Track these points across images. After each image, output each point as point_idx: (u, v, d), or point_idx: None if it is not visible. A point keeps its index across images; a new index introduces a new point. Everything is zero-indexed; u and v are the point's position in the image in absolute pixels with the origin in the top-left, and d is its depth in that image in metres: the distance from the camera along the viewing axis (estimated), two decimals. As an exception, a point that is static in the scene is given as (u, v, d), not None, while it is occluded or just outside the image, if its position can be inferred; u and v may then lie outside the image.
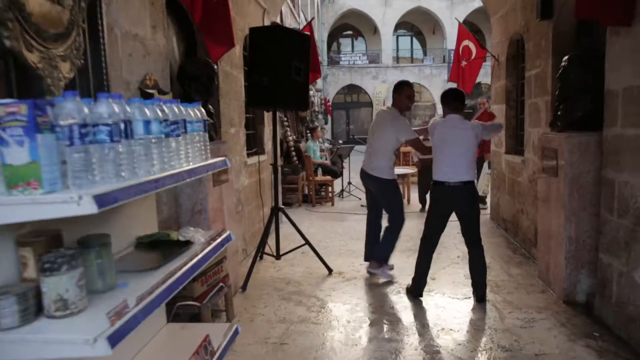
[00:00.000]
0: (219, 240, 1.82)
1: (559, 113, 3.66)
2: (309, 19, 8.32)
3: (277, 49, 4.10)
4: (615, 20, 2.75)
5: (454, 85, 7.84)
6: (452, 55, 26.64)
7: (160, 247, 1.72)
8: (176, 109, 1.51)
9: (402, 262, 4.72)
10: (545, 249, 3.89)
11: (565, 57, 3.61)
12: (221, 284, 2.98)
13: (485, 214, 6.62)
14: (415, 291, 3.79)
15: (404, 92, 4.11)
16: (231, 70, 4.66)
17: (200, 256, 1.58)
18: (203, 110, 1.78)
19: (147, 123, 1.30)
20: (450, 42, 25.76)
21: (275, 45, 4.11)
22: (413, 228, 6.11)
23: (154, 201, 1.97)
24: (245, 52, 5.24)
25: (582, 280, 3.52)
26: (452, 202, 3.62)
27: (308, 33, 5.29)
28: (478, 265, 3.67)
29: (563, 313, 3.38)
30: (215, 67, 3.75)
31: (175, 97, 3.31)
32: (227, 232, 1.95)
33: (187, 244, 1.72)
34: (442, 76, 26.62)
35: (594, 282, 3.46)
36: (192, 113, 1.65)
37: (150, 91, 2.97)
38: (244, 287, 4.09)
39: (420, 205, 7.48)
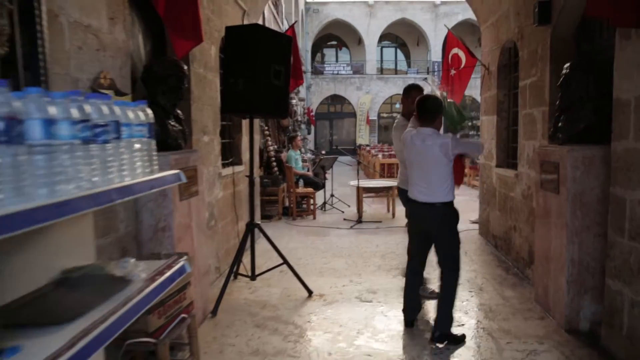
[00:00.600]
0: (168, 274, 1.44)
1: (559, 124, 3.38)
2: (292, 23, 8.01)
3: (254, 50, 3.75)
4: (627, 21, 2.48)
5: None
6: (435, 67, 26.78)
7: (90, 284, 1.34)
8: (104, 108, 1.14)
9: (387, 282, 4.38)
10: (544, 271, 3.58)
11: (567, 65, 3.34)
12: (183, 314, 2.57)
13: (473, 229, 6.35)
14: (405, 319, 3.43)
15: (411, 96, 3.71)
16: (205, 73, 4.29)
17: (135, 301, 1.20)
18: (149, 111, 1.41)
19: (49, 123, 0.93)
20: (434, 53, 25.92)
21: (253, 46, 3.76)
22: (399, 244, 5.79)
23: (91, 224, 1.58)
24: (222, 54, 4.88)
25: (585, 307, 3.22)
26: (421, 220, 3.24)
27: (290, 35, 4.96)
28: (443, 294, 3.19)
29: (566, 344, 3.07)
30: (186, 68, 3.38)
31: (138, 100, 2.93)
32: (182, 263, 1.57)
33: (124, 281, 1.33)
34: (426, 88, 26.64)
35: (599, 310, 3.16)
36: (130, 114, 1.28)
37: (106, 92, 2.58)
38: (214, 312, 3.68)
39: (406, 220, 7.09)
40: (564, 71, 3.34)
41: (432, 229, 3.19)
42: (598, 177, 3.10)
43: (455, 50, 5.98)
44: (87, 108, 1.09)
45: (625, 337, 2.76)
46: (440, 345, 3.06)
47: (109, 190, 1.09)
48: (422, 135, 3.16)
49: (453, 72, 6.01)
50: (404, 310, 3.45)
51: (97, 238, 2.48)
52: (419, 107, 3.22)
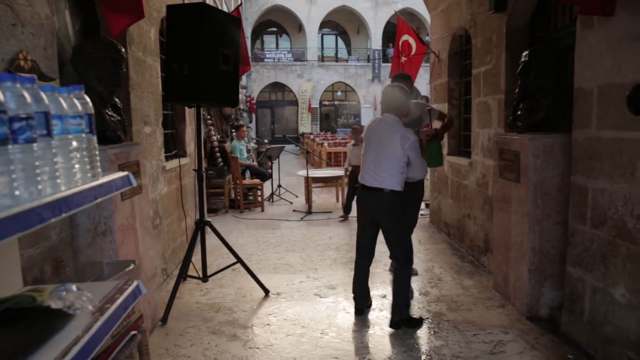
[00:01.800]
0: (119, 300, 1.17)
1: (519, 112, 3.36)
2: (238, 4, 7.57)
3: (200, 31, 3.40)
4: (595, 8, 2.44)
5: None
6: (376, 54, 27.06)
7: (15, 325, 1.04)
8: (26, 94, 0.85)
9: (345, 277, 4.24)
10: (503, 260, 3.59)
11: (525, 53, 3.31)
12: (133, 331, 2.26)
13: (425, 216, 6.37)
14: (355, 307, 3.43)
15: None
16: (144, 57, 3.88)
17: (81, 344, 0.92)
18: (87, 98, 1.12)
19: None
20: (375, 42, 26.12)
21: (199, 27, 3.41)
22: (353, 235, 5.67)
23: (16, 246, 1.26)
24: (162, 37, 4.46)
25: (545, 294, 3.25)
26: (369, 207, 3.21)
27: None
28: (396, 285, 3.26)
29: (530, 332, 3.08)
30: (123, 50, 2.99)
31: (67, 85, 2.52)
32: (135, 283, 1.30)
33: (63, 315, 1.05)
34: (366, 76, 26.88)
35: (558, 296, 3.20)
36: (63, 103, 0.98)
37: (27, 75, 2.18)
38: (164, 319, 3.36)
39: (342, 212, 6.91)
40: (522, 59, 3.31)
41: (379, 215, 3.19)
42: (558, 166, 3.11)
43: (405, 37, 5.90)
44: (0, 94, 0.80)
45: (586, 322, 2.79)
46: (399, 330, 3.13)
47: (38, 207, 0.81)
48: (385, 122, 3.17)
49: (404, 59, 5.93)
50: (354, 298, 3.46)
51: (23, 249, 2.11)
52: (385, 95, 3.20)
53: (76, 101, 1.06)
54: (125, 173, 1.25)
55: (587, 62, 2.73)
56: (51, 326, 1.03)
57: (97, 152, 1.13)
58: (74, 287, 1.14)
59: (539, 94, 3.21)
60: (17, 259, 1.32)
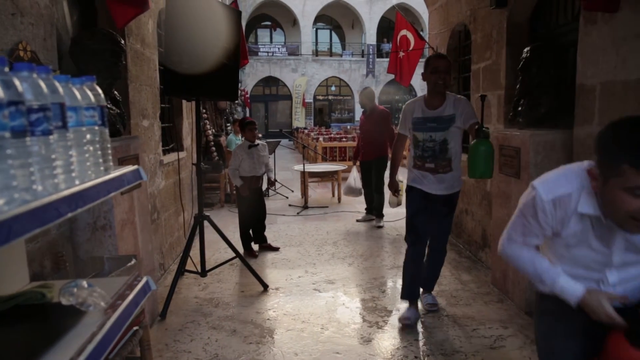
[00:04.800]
0: (130, 297, 1.15)
1: (519, 108, 3.36)
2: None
3: (201, 24, 3.37)
4: (600, 5, 2.44)
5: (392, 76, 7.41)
6: (370, 50, 26.98)
7: (26, 322, 1.02)
8: (42, 85, 0.82)
9: (344, 271, 4.24)
10: (502, 255, 3.60)
11: (527, 49, 3.31)
12: (135, 327, 2.24)
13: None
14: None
15: (428, 67, 3.05)
16: (143, 50, 3.83)
17: (95, 342, 0.90)
18: (99, 89, 1.09)
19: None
20: (369, 37, 26.06)
21: (199, 21, 3.37)
22: (349, 230, 5.69)
23: (22, 241, 1.23)
24: (159, 29, 4.40)
25: (544, 289, 3.26)
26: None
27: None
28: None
29: (529, 327, 3.09)
30: (123, 42, 2.95)
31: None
32: (145, 279, 1.28)
33: (74, 312, 1.03)
34: (360, 70, 26.84)
35: (557, 291, 3.21)
36: (77, 93, 0.96)
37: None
38: (163, 315, 3.34)
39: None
40: (524, 55, 3.31)
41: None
42: (558, 162, 3.06)
43: (403, 32, 5.87)
44: (18, 84, 0.77)
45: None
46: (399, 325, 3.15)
47: (56, 201, 0.79)
48: None
49: (402, 54, 5.91)
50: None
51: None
52: None
53: (89, 92, 1.04)
54: (135, 167, 1.22)
55: (590, 58, 2.73)
56: (63, 323, 1.01)
57: (109, 145, 1.10)
58: (84, 283, 1.12)
59: (539, 90, 3.21)
60: (23, 254, 1.29)
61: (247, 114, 23.38)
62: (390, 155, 3.86)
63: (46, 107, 0.82)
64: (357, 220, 6.25)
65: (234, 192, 7.55)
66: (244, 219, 4.88)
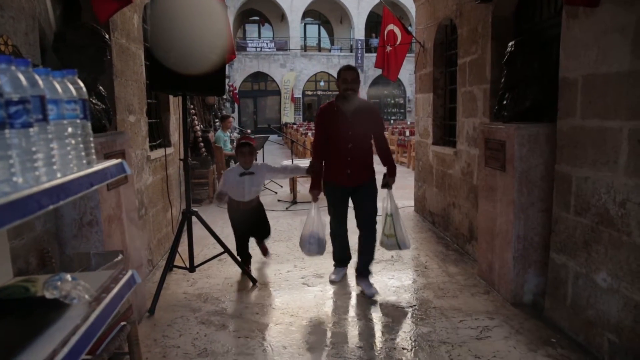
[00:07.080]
0: (115, 289, 1.15)
1: (505, 102, 3.40)
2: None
3: (187, 19, 3.34)
4: (581, -1, 2.47)
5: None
6: (359, 45, 26.95)
7: (9, 315, 1.02)
8: (21, 77, 0.82)
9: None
10: (488, 247, 3.65)
11: (511, 43, 3.35)
12: (122, 322, 2.24)
13: (409, 207, 6.42)
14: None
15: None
16: (128, 45, 3.79)
17: (80, 334, 0.91)
18: (81, 83, 1.09)
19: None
20: (358, 32, 26.05)
21: (185, 15, 3.35)
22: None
23: (5, 236, 1.23)
24: (145, 24, 4.36)
25: (529, 280, 3.32)
26: None
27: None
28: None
29: (515, 317, 3.15)
30: (108, 37, 2.92)
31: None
32: (130, 273, 1.28)
33: (58, 305, 1.03)
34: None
35: (541, 282, 3.27)
36: (58, 86, 0.95)
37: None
38: (151, 310, 3.34)
39: None
40: (509, 49, 3.34)
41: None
42: (542, 155, 3.16)
43: (390, 27, 5.89)
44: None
45: (569, 307, 2.87)
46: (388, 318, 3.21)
47: (37, 193, 0.79)
48: None
49: (389, 48, 5.93)
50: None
51: (8, 241, 2.06)
52: None
53: (70, 86, 1.03)
54: (119, 160, 1.22)
55: (572, 52, 2.77)
56: (47, 316, 1.01)
57: (91, 139, 1.10)
58: (68, 277, 1.12)
59: (524, 84, 3.25)
60: (6, 249, 1.29)
61: (236, 110, 23.26)
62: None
63: (26, 99, 0.82)
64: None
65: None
66: (236, 233, 4.30)
